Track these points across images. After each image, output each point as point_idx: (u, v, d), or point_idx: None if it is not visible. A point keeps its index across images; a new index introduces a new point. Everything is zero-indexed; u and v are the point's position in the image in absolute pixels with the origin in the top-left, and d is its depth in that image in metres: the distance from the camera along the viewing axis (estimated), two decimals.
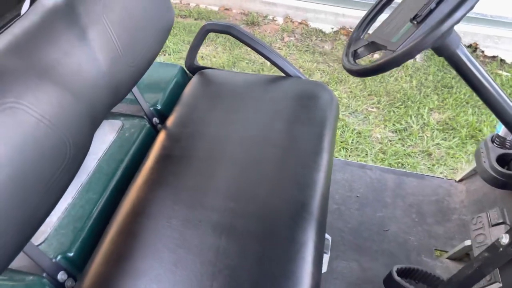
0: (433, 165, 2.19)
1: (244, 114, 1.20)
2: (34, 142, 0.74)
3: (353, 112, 2.52)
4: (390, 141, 2.35)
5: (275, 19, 3.25)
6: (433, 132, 2.36)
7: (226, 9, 3.31)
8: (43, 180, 0.75)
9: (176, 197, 0.97)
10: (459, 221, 1.44)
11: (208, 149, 1.09)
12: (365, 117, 2.50)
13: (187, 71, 1.46)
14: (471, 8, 0.72)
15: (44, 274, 0.87)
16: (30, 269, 0.88)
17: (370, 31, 1.03)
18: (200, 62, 2.89)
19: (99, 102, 0.93)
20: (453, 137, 2.32)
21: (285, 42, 3.06)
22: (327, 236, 1.12)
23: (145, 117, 1.26)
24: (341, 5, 3.07)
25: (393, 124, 2.43)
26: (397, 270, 1.12)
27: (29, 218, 0.72)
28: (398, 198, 1.53)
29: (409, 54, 0.77)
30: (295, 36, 3.12)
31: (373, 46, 0.96)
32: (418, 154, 2.27)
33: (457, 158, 2.20)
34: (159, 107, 1.32)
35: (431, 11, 0.80)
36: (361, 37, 1.02)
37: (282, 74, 1.39)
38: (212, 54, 2.93)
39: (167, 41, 3.01)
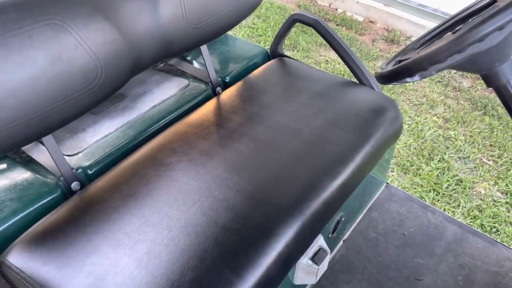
0: None
1: (293, 105, 1.19)
2: (69, 59, 0.87)
3: (463, 158, 2.24)
4: (494, 201, 2.03)
5: None
6: None
7: (371, 21, 3.23)
8: (65, 92, 0.88)
9: (185, 155, 1.02)
10: None
11: (239, 123, 1.12)
12: (475, 167, 2.20)
13: (270, 56, 1.50)
14: (508, 21, 0.60)
15: (62, 178, 1.02)
16: (53, 170, 1.03)
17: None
18: (323, 65, 2.89)
19: (148, 51, 1.03)
20: None
21: None
22: (325, 247, 1.05)
23: (210, 84, 1.34)
24: None
25: (506, 185, 2.09)
26: None
27: (42, 118, 0.86)
28: (450, 252, 1.33)
29: (427, 60, 0.68)
30: None
31: None
32: None
33: None
34: (227, 79, 1.38)
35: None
36: (417, 50, 0.92)
37: (356, 81, 1.33)
38: (338, 60, 2.90)
39: (301, 39, 3.08)
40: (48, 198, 0.99)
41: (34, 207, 0.97)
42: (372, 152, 1.10)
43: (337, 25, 3.27)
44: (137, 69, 1.03)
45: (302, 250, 0.93)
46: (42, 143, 1.12)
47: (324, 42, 3.06)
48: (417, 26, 3.00)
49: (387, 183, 1.55)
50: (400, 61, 0.89)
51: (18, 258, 0.83)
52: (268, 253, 0.84)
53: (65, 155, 1.09)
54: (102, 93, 0.95)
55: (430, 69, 0.69)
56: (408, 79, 0.75)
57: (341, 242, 1.35)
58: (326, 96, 1.22)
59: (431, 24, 2.95)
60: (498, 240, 1.40)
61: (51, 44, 0.84)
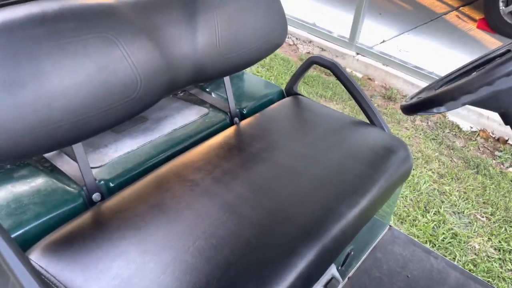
0: None
1: (310, 137, 1.24)
2: (114, 70, 0.92)
3: (458, 213, 2.29)
4: (488, 256, 2.06)
5: None
6: None
7: (369, 78, 3.39)
8: (106, 100, 0.92)
9: (209, 173, 1.05)
10: None
11: (259, 149, 1.16)
12: (469, 222, 2.25)
13: (285, 95, 1.57)
14: None
15: (84, 188, 1.03)
16: (76, 179, 1.05)
17: None
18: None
19: (183, 73, 1.09)
20: None
21: (415, 125, 2.98)
22: (338, 276, 1.06)
23: (228, 114, 1.39)
24: None
25: (499, 242, 2.13)
26: None
27: (83, 122, 0.89)
28: None
29: (459, 89, 0.74)
30: (427, 123, 3.02)
31: None
32: None
33: None
34: (245, 111, 1.44)
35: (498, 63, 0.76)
36: (436, 90, 0.99)
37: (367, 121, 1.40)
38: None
39: (302, 89, 3.21)
40: (70, 206, 1.00)
41: (56, 212, 0.97)
42: (386, 186, 1.14)
43: (337, 79, 3.42)
44: (171, 88, 1.08)
45: (321, 272, 0.94)
46: (65, 153, 1.14)
47: (325, 93, 3.20)
48: (413, 86, 3.16)
49: (390, 225, 1.58)
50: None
51: (41, 258, 0.83)
52: (291, 271, 0.86)
53: None
54: (138, 106, 0.99)
55: (460, 99, 0.75)
56: (435, 110, 0.81)
57: (346, 279, 1.36)
58: (341, 132, 1.29)
59: (424, 84, 3.12)
60: None
61: (101, 55, 0.89)
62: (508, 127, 2.80)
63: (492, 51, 0.99)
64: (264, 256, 0.86)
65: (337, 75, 1.41)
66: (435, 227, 2.19)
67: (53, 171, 1.09)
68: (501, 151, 2.79)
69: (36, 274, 0.69)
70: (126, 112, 0.97)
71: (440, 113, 0.81)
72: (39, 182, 1.04)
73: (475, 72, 0.83)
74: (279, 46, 1.39)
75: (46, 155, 1.13)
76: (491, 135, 2.89)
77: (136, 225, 0.90)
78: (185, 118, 1.36)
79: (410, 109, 0.88)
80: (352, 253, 1.22)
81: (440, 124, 3.01)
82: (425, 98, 0.82)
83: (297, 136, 1.25)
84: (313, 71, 3.54)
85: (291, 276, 0.85)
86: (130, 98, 0.96)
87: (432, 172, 2.56)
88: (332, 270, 1.05)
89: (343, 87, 3.30)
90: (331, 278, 1.05)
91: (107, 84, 0.91)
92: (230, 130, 1.27)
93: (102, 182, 1.08)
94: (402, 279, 1.39)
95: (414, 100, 0.87)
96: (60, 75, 0.83)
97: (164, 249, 0.84)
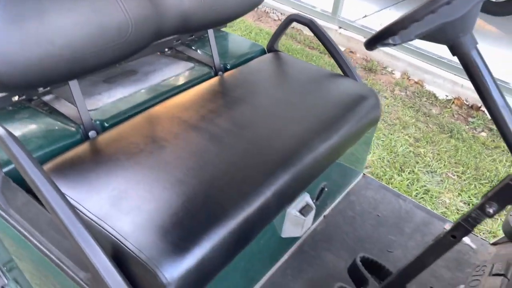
0: None
1: (288, 86, 1.36)
2: (108, 13, 1.01)
3: (431, 172, 2.45)
4: (457, 209, 2.22)
5: (393, 72, 3.33)
6: None
7: (351, 51, 3.51)
8: (101, 40, 1.01)
9: (196, 112, 1.17)
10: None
11: (242, 94, 1.27)
12: (441, 180, 2.40)
13: (267, 52, 1.68)
14: None
15: (82, 127, 1.14)
16: (74, 119, 1.15)
17: None
18: None
19: (169, 22, 1.19)
20: None
21: (394, 94, 3.11)
22: (311, 203, 1.19)
23: (213, 67, 1.50)
24: (462, 75, 3.03)
25: (469, 197, 2.29)
26: (361, 258, 1.14)
27: (81, 59, 0.99)
28: (418, 232, 1.49)
29: (407, 18, 0.84)
30: (406, 92, 3.16)
31: None
32: (483, 233, 2.10)
33: None
34: (228, 66, 1.55)
35: None
36: None
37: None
38: None
39: None
40: (69, 141, 1.11)
41: (57, 145, 1.08)
42: (357, 127, 1.27)
43: (320, 53, 3.54)
44: (159, 35, 1.18)
45: (294, 194, 1.07)
46: (63, 98, 1.24)
47: None
48: (392, 58, 3.29)
49: (364, 174, 1.72)
50: None
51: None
52: (268, 188, 0.98)
53: None
54: (130, 49, 1.09)
55: (410, 28, 0.86)
56: (390, 41, 0.91)
57: (322, 217, 1.49)
58: (317, 82, 1.40)
59: (405, 56, 3.25)
60: None
61: None
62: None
63: None
64: (245, 174, 0.98)
65: (315, 32, 1.52)
66: (409, 184, 2.34)
67: (52, 112, 1.19)
68: (474, 117, 2.95)
69: (53, 182, 0.79)
70: (119, 54, 1.08)
71: (396, 44, 0.91)
72: (39, 121, 1.14)
73: None
74: (259, 4, 1.49)
75: (45, 99, 1.23)
76: (465, 102, 3.04)
77: (131, 151, 1.01)
78: (172, 71, 1.46)
79: (370, 43, 0.98)
80: (326, 189, 1.35)
81: (417, 94, 3.15)
82: (380, 30, 0.94)
83: (276, 85, 1.36)
84: (298, 45, 3.64)
85: (268, 192, 0.98)
86: (122, 41, 1.06)
87: (409, 136, 2.71)
88: (306, 198, 1.18)
89: (326, 59, 3.41)
90: (305, 205, 1.18)
91: (102, 25, 1.01)
92: (215, 80, 1.38)
93: (98, 122, 1.18)
94: (373, 217, 1.53)
95: (373, 35, 0.98)
96: (59, 14, 0.93)
97: (156, 169, 0.96)
